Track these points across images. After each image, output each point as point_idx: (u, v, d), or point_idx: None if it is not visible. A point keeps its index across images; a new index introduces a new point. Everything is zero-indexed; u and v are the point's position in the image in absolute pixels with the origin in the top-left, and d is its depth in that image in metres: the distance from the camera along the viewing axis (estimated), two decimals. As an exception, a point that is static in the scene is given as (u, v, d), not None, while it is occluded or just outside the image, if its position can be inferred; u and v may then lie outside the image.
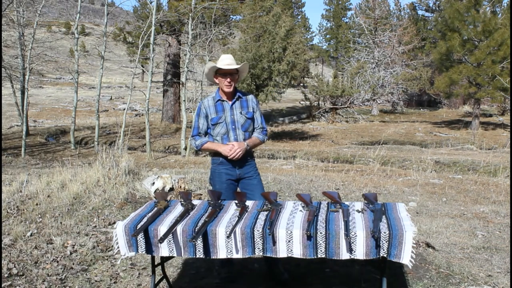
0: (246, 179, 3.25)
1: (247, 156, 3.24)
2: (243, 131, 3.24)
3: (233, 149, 3.11)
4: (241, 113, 3.23)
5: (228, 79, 3.15)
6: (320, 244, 2.31)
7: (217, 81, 3.22)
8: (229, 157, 3.13)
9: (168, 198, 3.10)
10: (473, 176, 7.88)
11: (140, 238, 2.44)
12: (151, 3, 15.35)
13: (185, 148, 12.64)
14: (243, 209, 2.63)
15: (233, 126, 3.21)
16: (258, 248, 2.37)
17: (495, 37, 17.33)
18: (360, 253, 2.28)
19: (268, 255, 2.38)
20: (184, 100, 13.75)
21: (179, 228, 2.43)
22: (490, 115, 24.54)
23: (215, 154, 3.26)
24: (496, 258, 3.67)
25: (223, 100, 3.23)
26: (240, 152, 3.13)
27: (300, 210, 2.64)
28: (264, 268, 3.36)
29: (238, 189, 3.28)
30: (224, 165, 3.21)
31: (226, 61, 3.16)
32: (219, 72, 3.17)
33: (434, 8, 35.59)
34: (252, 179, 3.26)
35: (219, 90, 3.25)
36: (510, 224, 4.61)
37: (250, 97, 3.33)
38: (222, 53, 17.71)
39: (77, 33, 14.26)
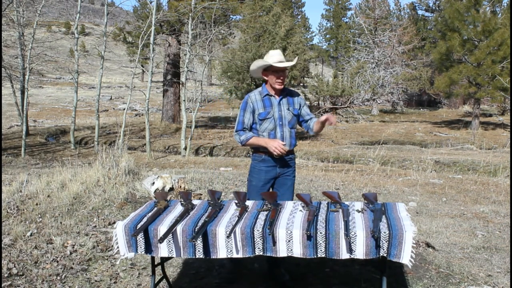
0: (282, 177, 3.23)
1: (290, 152, 3.22)
2: (289, 128, 3.20)
3: (279, 147, 3.05)
4: (288, 109, 3.20)
5: (281, 77, 3.11)
6: (320, 244, 2.31)
7: (266, 78, 3.16)
8: (275, 155, 3.09)
9: (168, 198, 3.09)
10: (473, 176, 7.89)
11: (140, 238, 2.44)
12: (151, 3, 15.34)
13: (185, 148, 12.64)
14: (243, 209, 2.63)
15: (281, 123, 3.17)
16: (258, 248, 2.37)
17: (495, 37, 17.33)
18: (360, 253, 2.28)
19: (268, 254, 2.38)
20: (184, 100, 13.75)
21: (179, 228, 2.43)
22: (490, 115, 24.54)
23: (256, 150, 3.21)
24: (496, 258, 3.67)
25: (271, 95, 3.18)
26: (284, 152, 3.09)
27: (300, 210, 2.64)
28: (264, 268, 3.36)
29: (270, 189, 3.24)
30: (266, 163, 3.18)
31: (277, 57, 3.09)
32: (271, 69, 3.10)
33: (434, 8, 35.62)
34: (288, 179, 3.25)
35: (267, 85, 3.20)
36: (510, 224, 4.61)
37: (296, 94, 3.30)
38: (223, 49, 17.74)
39: (77, 33, 14.26)
